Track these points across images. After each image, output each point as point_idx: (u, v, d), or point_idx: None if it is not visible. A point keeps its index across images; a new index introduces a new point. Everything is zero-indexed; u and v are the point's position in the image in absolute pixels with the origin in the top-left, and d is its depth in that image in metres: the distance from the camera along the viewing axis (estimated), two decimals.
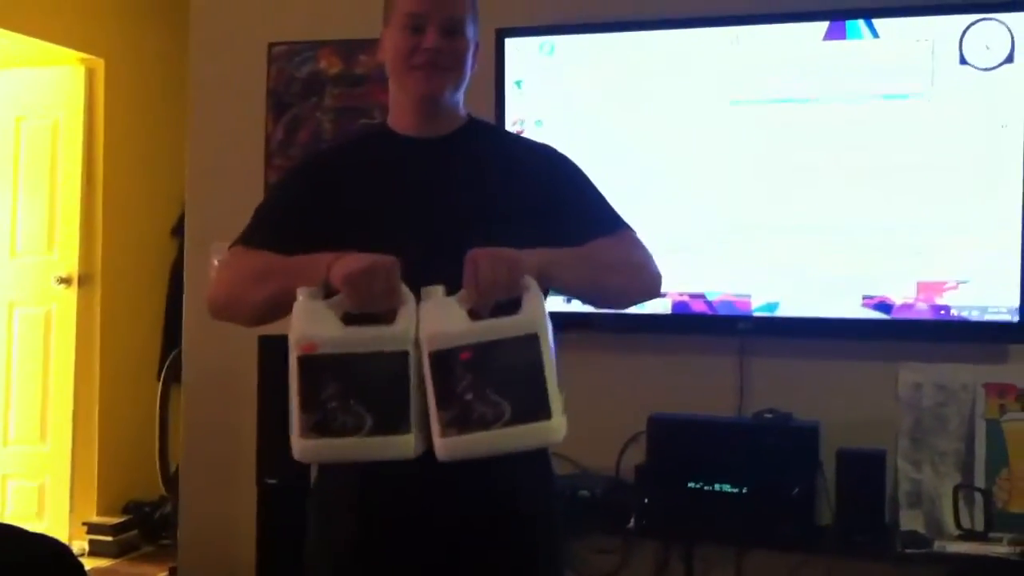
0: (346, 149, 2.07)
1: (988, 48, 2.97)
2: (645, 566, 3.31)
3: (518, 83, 3.38)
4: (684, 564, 3.22)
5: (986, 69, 2.98)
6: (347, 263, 1.64)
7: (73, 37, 5.00)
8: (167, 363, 4.58)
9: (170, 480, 4.35)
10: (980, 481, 2.95)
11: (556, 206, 1.85)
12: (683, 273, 3.23)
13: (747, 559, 3.23)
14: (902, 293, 3.04)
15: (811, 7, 3.16)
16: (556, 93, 3.36)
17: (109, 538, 4.99)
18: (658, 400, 3.25)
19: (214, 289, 1.89)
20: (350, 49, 3.70)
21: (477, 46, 1.91)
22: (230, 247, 1.91)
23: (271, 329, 3.66)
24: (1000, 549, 2.78)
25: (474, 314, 1.62)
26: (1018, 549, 2.75)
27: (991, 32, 2.96)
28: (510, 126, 3.37)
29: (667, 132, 3.27)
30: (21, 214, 5.17)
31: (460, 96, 1.92)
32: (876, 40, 3.07)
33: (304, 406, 1.63)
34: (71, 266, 5.11)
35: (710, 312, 3.21)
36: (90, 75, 5.13)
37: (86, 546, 4.95)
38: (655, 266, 1.89)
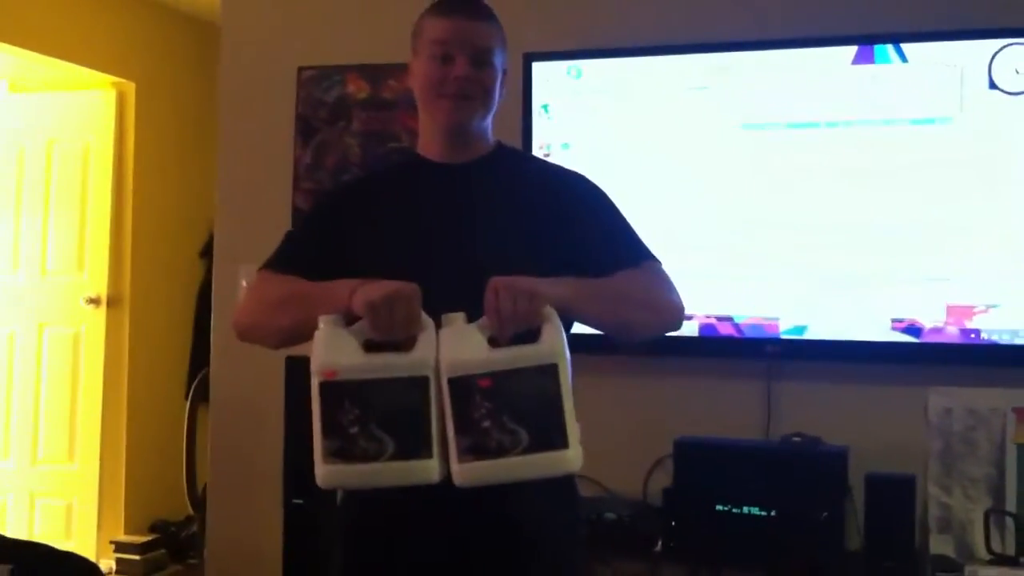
0: (376, 176, 2.12)
1: (1018, 72, 2.96)
2: None
3: (545, 107, 3.40)
4: None
5: (1016, 94, 2.97)
6: (369, 290, 1.66)
7: (105, 61, 5.06)
8: (195, 383, 4.60)
9: (197, 499, 4.36)
10: (1011, 506, 2.92)
11: (582, 234, 1.86)
12: (711, 296, 3.23)
13: None
14: (932, 317, 3.03)
15: (840, 32, 3.16)
16: (583, 117, 3.38)
17: (136, 557, 5.01)
18: (685, 423, 3.24)
19: (240, 312, 1.92)
20: (378, 74, 3.72)
21: (506, 73, 1.93)
22: (259, 270, 1.95)
23: (298, 350, 3.67)
24: None
25: (494, 342, 1.63)
26: None
27: (1020, 57, 2.96)
28: (537, 150, 3.38)
29: (695, 156, 3.27)
30: (52, 235, 5.23)
31: (488, 123, 1.94)
32: (905, 65, 3.07)
33: (326, 432, 1.65)
34: (100, 287, 5.15)
35: (738, 335, 3.21)
36: (121, 99, 5.19)
37: (113, 565, 4.98)
38: (678, 299, 1.89)
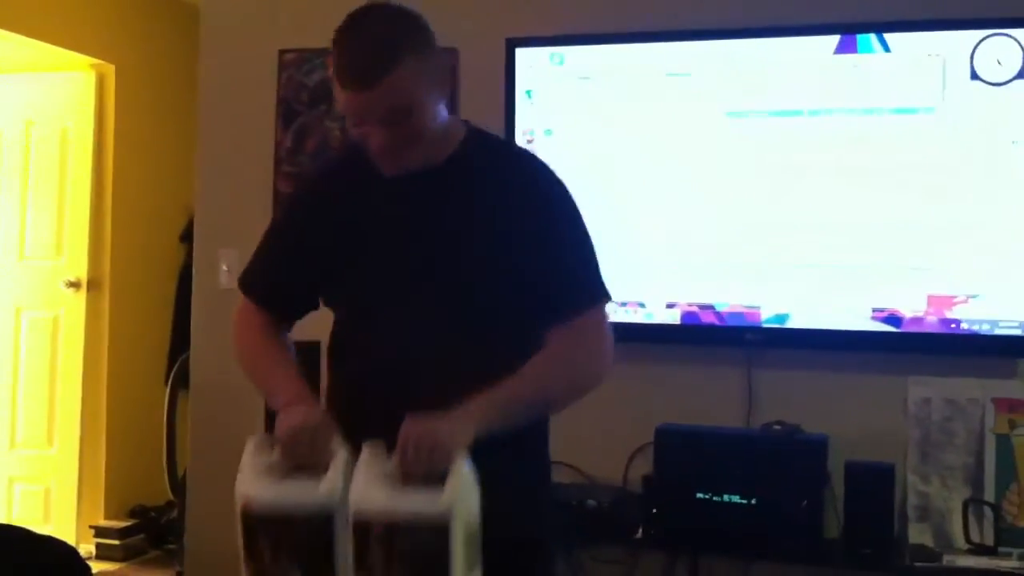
0: (334, 175, 1.98)
1: (1000, 63, 2.97)
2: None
3: (528, 93, 3.38)
4: (690, 575, 3.22)
5: (997, 84, 2.98)
6: (283, 420, 1.73)
7: (84, 42, 5.01)
8: (175, 368, 4.58)
9: (177, 485, 4.35)
10: (990, 495, 2.94)
11: (535, 263, 1.80)
12: (693, 284, 3.23)
13: (754, 571, 3.22)
14: (912, 306, 3.04)
15: (823, 20, 3.16)
16: (566, 103, 3.37)
17: (116, 542, 5.00)
18: (666, 411, 3.24)
19: (233, 338, 2.01)
20: None
21: (441, 72, 1.81)
22: (239, 282, 2.02)
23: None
24: (1009, 564, 2.78)
25: (407, 477, 1.65)
26: None
27: (1003, 47, 2.96)
28: (520, 136, 3.37)
29: (677, 143, 3.27)
30: (30, 218, 5.19)
31: (440, 124, 1.81)
32: (887, 54, 3.07)
33: (246, 559, 1.72)
34: (80, 271, 5.12)
35: (719, 323, 3.21)
36: (100, 81, 5.14)
37: (93, 550, 4.96)
38: (606, 356, 1.86)
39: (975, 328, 2.99)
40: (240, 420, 3.74)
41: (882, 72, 3.07)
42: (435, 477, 1.62)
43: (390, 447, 1.66)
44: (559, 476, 2.59)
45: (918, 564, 2.83)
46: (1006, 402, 2.98)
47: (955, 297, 3.00)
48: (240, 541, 1.71)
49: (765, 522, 2.97)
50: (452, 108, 3.60)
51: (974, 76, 2.99)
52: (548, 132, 3.38)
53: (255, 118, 3.84)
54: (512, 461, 1.76)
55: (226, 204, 3.89)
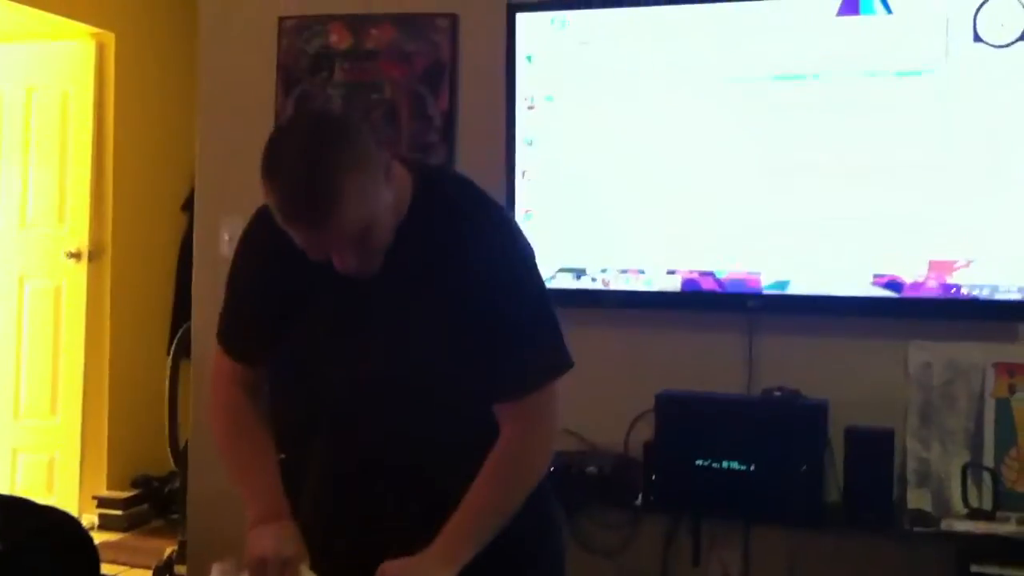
0: (282, 242, 1.70)
1: (1003, 25, 2.95)
2: (653, 542, 3.31)
3: (529, 58, 3.37)
4: (691, 540, 3.23)
5: (1000, 46, 2.96)
6: (254, 544, 1.73)
7: (84, 11, 5.00)
8: (177, 338, 4.58)
9: (180, 455, 4.35)
10: (988, 460, 2.95)
11: (487, 341, 1.72)
12: (693, 250, 3.22)
13: (754, 535, 3.23)
14: (913, 271, 3.03)
15: None
16: (567, 68, 3.35)
17: (119, 512, 5.02)
18: (667, 377, 3.25)
19: (211, 398, 1.93)
20: (360, 24, 3.69)
21: (382, 165, 1.62)
22: (217, 335, 1.91)
23: None
24: (1008, 528, 2.78)
25: None
26: None
27: (1006, 9, 2.94)
28: (521, 102, 3.36)
29: (678, 108, 3.26)
30: (31, 188, 5.19)
31: (390, 205, 1.65)
32: (889, 16, 3.05)
33: None
34: (81, 241, 5.12)
35: (720, 290, 3.21)
36: (101, 49, 5.13)
37: (96, 520, 4.99)
38: (554, 435, 1.82)
39: (975, 293, 2.98)
40: None
41: (884, 34, 3.05)
42: None
43: (357, 537, 1.74)
44: (561, 443, 2.59)
45: (916, 529, 2.84)
46: (1006, 366, 2.98)
47: (956, 262, 2.99)
48: None
49: (765, 487, 2.97)
50: (453, 76, 3.60)
51: (977, 38, 2.97)
52: (549, 98, 3.36)
53: (255, 86, 3.82)
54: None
55: (227, 172, 3.88)
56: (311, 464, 1.89)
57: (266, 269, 1.81)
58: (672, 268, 3.24)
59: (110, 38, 5.13)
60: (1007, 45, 2.95)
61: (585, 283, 3.31)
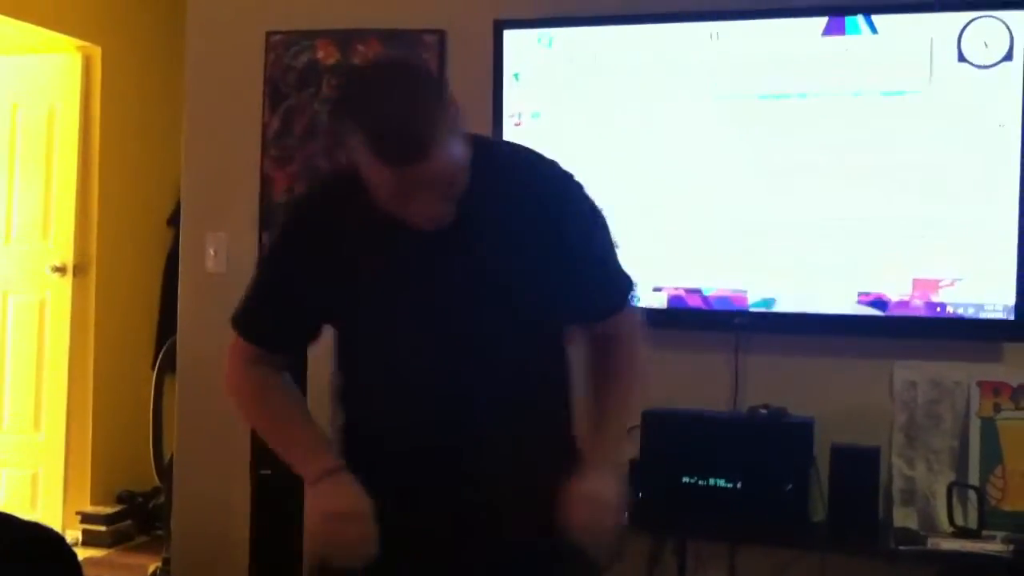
0: (333, 209, 1.77)
1: (987, 46, 2.96)
2: (638, 560, 3.31)
3: (516, 75, 3.37)
4: (677, 559, 3.22)
5: (984, 67, 2.97)
6: (314, 500, 1.68)
7: (70, 24, 4.98)
8: (162, 353, 4.56)
9: (164, 470, 4.34)
10: (974, 479, 2.96)
11: (574, 277, 1.76)
12: (680, 268, 3.23)
13: (740, 554, 3.23)
14: (898, 290, 3.04)
15: (811, 2, 3.16)
16: (554, 86, 3.36)
17: (103, 528, 4.99)
18: (653, 394, 3.23)
19: (227, 378, 1.88)
20: (347, 39, 3.69)
21: (461, 122, 1.61)
22: (233, 321, 1.86)
23: None
24: (993, 547, 2.79)
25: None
26: (1011, 547, 2.75)
27: (990, 30, 2.96)
28: (507, 119, 3.36)
29: (665, 126, 3.26)
30: (16, 202, 5.16)
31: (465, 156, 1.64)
32: (875, 36, 3.06)
33: None
34: (66, 255, 5.10)
35: (706, 307, 3.21)
36: (87, 62, 5.12)
37: (79, 536, 4.95)
38: (646, 341, 1.88)
39: (960, 311, 2.99)
40: (227, 404, 3.73)
41: (869, 54, 3.06)
42: None
43: (431, 486, 1.70)
44: None
45: (903, 547, 2.84)
46: (991, 385, 2.99)
47: (940, 281, 3.01)
48: None
49: (751, 505, 2.97)
50: None
51: (961, 58, 2.99)
52: (535, 115, 3.37)
53: (242, 100, 3.82)
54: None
55: (213, 187, 3.87)
56: (382, 427, 1.81)
57: (310, 258, 1.75)
58: (658, 285, 3.25)
59: (96, 51, 5.11)
60: (991, 66, 2.97)
61: None
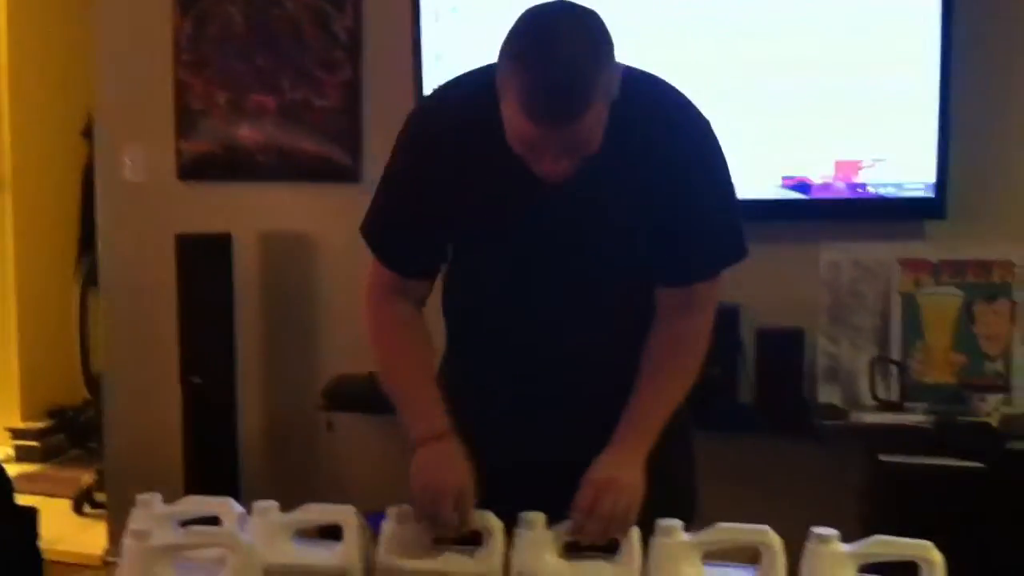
0: (463, 129, 1.71)
1: None
2: None
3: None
4: None
5: None
6: (418, 470, 1.65)
7: None
8: (84, 266, 4.49)
9: (93, 383, 4.30)
10: (896, 354, 3.02)
11: (676, 225, 1.72)
12: None
13: None
14: (820, 172, 3.07)
15: None
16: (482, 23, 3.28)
17: (35, 443, 4.96)
18: None
19: (364, 300, 1.84)
20: None
21: (617, 77, 1.60)
22: (364, 233, 1.82)
23: (188, 227, 3.61)
24: (915, 418, 2.86)
25: (571, 548, 1.60)
26: (932, 418, 2.83)
27: None
28: (426, 15, 3.28)
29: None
30: None
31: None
32: None
33: None
34: None
35: None
36: None
37: (12, 452, 4.92)
38: (712, 319, 1.85)
39: (882, 192, 3.03)
40: (153, 315, 3.70)
41: None
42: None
43: (526, 409, 1.72)
44: None
45: (827, 422, 2.91)
46: (912, 263, 3.04)
47: (862, 162, 3.04)
48: None
49: None
50: None
51: None
52: (454, 10, 3.30)
53: (152, 4, 3.70)
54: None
55: (126, 96, 3.77)
56: (480, 365, 1.83)
57: (437, 172, 1.72)
58: None
59: None
60: None
61: None
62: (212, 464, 3.40)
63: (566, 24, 1.55)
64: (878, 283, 3.08)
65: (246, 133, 3.63)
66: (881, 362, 3.02)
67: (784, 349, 3.02)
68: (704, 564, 1.56)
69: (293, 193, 3.62)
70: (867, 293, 3.09)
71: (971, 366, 2.98)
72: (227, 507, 1.70)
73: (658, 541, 1.55)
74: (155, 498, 1.70)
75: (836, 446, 2.99)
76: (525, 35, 1.55)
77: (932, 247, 3.05)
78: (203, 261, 3.42)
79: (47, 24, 5.14)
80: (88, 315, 4.42)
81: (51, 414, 5.12)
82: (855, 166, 3.04)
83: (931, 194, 3.00)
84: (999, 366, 2.97)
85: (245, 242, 3.56)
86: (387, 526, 1.64)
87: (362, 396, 3.15)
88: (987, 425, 2.76)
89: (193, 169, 3.70)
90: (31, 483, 4.56)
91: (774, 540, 1.54)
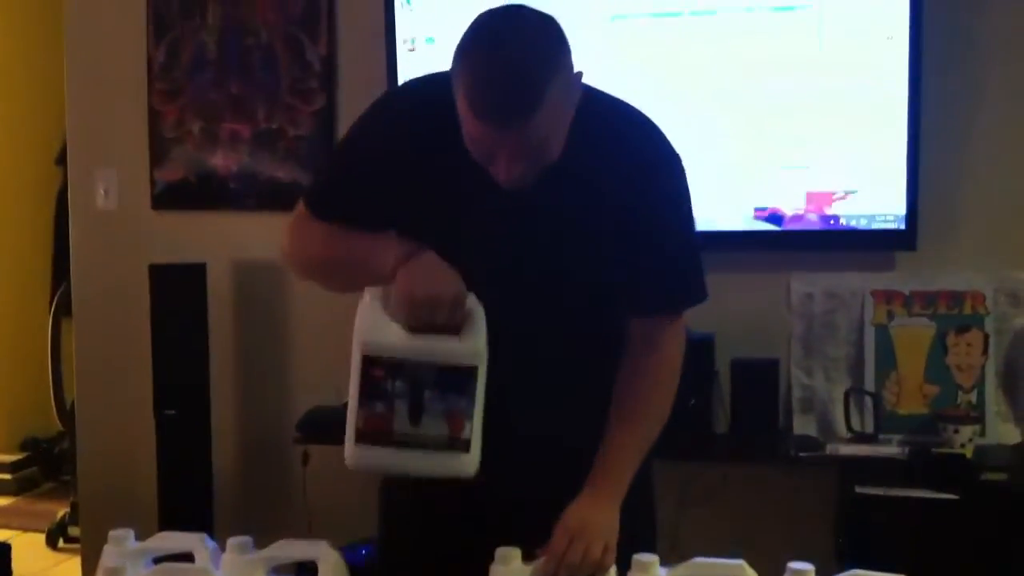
0: (424, 134, 1.68)
1: None
2: None
3: (408, 0, 3.31)
4: None
5: None
6: (411, 279, 1.58)
7: None
8: (57, 295, 4.46)
9: (66, 414, 4.26)
10: (870, 385, 3.04)
11: (634, 258, 1.70)
12: None
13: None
14: (792, 204, 3.09)
15: None
16: (446, 10, 3.30)
17: (7, 476, 4.92)
18: None
19: (287, 251, 1.80)
20: None
21: (575, 82, 1.61)
22: (302, 198, 1.79)
23: (162, 256, 3.59)
24: (889, 449, 2.87)
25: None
26: (906, 449, 2.84)
27: None
28: (401, 44, 3.30)
29: None
30: None
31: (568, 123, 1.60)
32: None
33: (361, 412, 1.60)
34: None
35: None
36: None
37: None
38: (682, 352, 1.83)
39: (853, 223, 3.05)
40: (126, 346, 3.67)
41: None
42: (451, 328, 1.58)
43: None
44: None
45: (802, 453, 2.91)
46: (884, 294, 3.06)
47: (834, 193, 3.06)
48: (355, 394, 1.59)
49: None
50: (331, 20, 3.52)
51: None
52: (430, 40, 3.32)
53: (125, 32, 3.70)
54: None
55: (100, 124, 3.77)
56: None
57: (388, 164, 1.69)
58: None
59: None
60: None
61: None
62: (187, 497, 3.37)
63: (516, 23, 1.55)
64: (851, 314, 3.10)
65: (220, 161, 3.62)
66: (856, 393, 3.03)
67: (759, 380, 3.04)
68: None
69: (267, 222, 3.60)
70: (840, 324, 3.11)
71: (944, 397, 3.00)
72: (201, 543, 1.69)
73: None
74: (128, 534, 1.68)
75: (811, 477, 3.00)
76: (475, 32, 1.55)
77: (904, 278, 3.08)
78: (177, 291, 3.40)
79: (21, 51, 5.12)
80: (61, 345, 4.38)
81: (24, 446, 5.08)
82: (827, 198, 3.06)
83: (902, 226, 3.02)
84: (972, 397, 2.98)
85: (219, 271, 3.55)
86: (364, 306, 1.61)
87: (338, 428, 3.12)
88: (961, 456, 2.77)
89: (167, 197, 3.69)
90: (4, 517, 4.53)
91: (750, 575, 1.54)
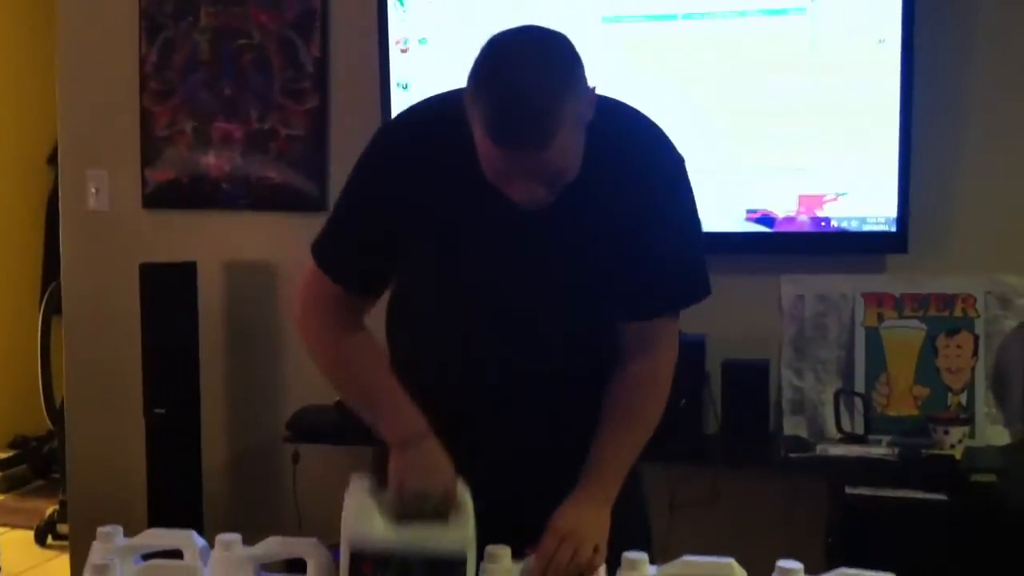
0: (431, 153, 1.68)
1: None
2: None
3: (401, 1, 3.32)
4: None
5: None
6: (404, 469, 1.62)
7: None
8: (47, 294, 4.45)
9: (56, 413, 4.25)
10: (860, 386, 3.05)
11: (642, 257, 1.69)
12: None
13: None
14: (784, 207, 3.09)
15: None
16: (439, 11, 3.30)
17: None
18: None
19: (298, 313, 1.81)
20: None
21: (590, 103, 1.57)
22: (312, 251, 1.77)
23: (152, 256, 3.59)
24: (879, 451, 2.88)
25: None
26: (896, 450, 2.85)
27: None
28: (393, 45, 3.31)
29: None
30: None
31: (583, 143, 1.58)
32: None
33: None
34: None
35: None
36: None
37: None
38: (674, 365, 1.83)
39: (844, 226, 3.06)
40: (116, 345, 3.67)
41: None
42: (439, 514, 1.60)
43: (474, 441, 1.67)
44: None
45: (792, 455, 2.92)
46: (874, 296, 3.07)
47: (825, 196, 3.07)
48: None
49: None
50: (324, 21, 3.52)
51: None
52: (423, 41, 3.32)
53: (117, 33, 3.69)
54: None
55: (92, 124, 3.76)
56: (447, 381, 1.77)
57: (398, 193, 1.68)
58: None
59: None
60: None
61: None
62: (176, 496, 3.37)
63: (530, 47, 1.53)
64: (841, 316, 3.11)
65: (212, 161, 3.62)
66: (846, 395, 3.04)
67: (750, 381, 3.04)
68: None
69: (259, 222, 3.61)
70: (830, 326, 3.12)
71: (934, 399, 3.01)
72: (189, 540, 1.69)
73: (624, 575, 1.55)
74: (116, 531, 1.68)
75: (801, 478, 3.00)
76: (489, 59, 1.54)
77: (894, 281, 3.08)
78: (167, 290, 3.40)
79: (12, 51, 5.11)
80: (51, 344, 4.37)
81: (14, 444, 5.07)
82: (818, 200, 3.07)
83: (893, 228, 3.03)
84: (962, 399, 2.99)
85: (210, 271, 3.55)
86: (351, 496, 1.62)
87: (328, 427, 3.14)
88: (951, 458, 2.78)
89: (158, 197, 3.68)
90: None
91: (739, 573, 1.55)
